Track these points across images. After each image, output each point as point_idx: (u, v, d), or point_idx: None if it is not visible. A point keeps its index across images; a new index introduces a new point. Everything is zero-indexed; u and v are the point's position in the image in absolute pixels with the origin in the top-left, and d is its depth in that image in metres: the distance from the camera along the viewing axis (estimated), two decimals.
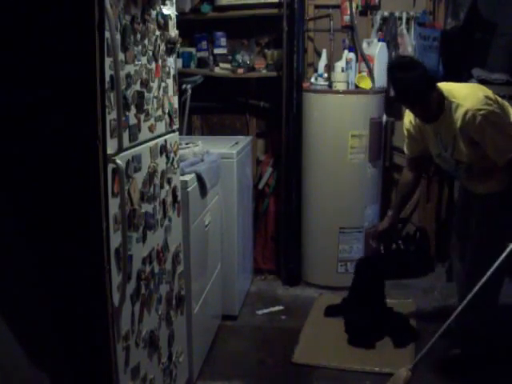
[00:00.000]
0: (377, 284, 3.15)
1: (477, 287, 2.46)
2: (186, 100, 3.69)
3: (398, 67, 2.56)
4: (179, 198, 2.36)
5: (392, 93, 3.80)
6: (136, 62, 1.86)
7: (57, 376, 1.67)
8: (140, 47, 1.90)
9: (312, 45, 3.91)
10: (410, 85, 2.47)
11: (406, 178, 2.94)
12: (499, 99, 2.54)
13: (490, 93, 2.50)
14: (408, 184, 2.94)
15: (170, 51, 2.22)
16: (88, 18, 1.49)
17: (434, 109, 2.51)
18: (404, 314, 3.23)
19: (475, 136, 2.45)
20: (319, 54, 3.81)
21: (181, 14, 2.84)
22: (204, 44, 3.87)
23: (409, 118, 2.75)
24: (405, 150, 2.91)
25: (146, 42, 1.94)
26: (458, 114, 2.44)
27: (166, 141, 2.19)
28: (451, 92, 2.49)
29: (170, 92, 2.25)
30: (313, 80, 3.73)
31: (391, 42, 3.72)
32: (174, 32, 2.24)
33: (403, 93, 2.54)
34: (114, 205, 1.68)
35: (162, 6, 2.10)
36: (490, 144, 2.43)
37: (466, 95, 2.46)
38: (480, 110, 2.39)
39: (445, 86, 2.53)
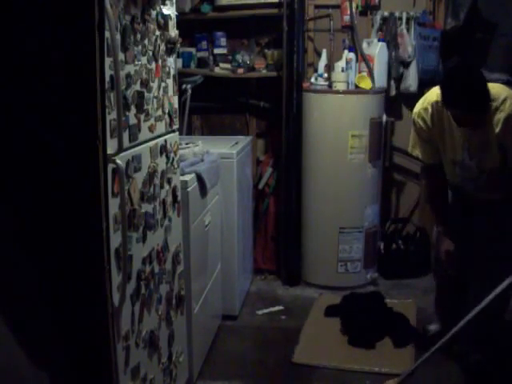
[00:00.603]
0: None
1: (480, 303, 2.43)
2: (186, 100, 3.69)
3: (460, 72, 2.36)
4: (179, 198, 2.36)
5: (393, 93, 3.82)
6: (136, 62, 1.86)
7: (57, 376, 1.67)
8: (140, 47, 1.90)
9: (312, 45, 3.91)
10: (477, 90, 2.27)
11: (433, 189, 2.73)
12: None
13: None
14: (438, 194, 2.70)
15: (170, 51, 2.22)
16: (88, 18, 1.49)
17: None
18: (404, 314, 3.23)
19: (508, 140, 2.34)
20: (319, 54, 3.81)
21: (181, 14, 2.84)
22: (204, 44, 3.87)
23: (421, 116, 2.55)
24: (419, 156, 2.68)
25: (146, 41, 1.94)
26: (498, 118, 2.31)
27: (166, 141, 2.19)
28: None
29: (170, 92, 2.25)
30: (313, 80, 3.73)
31: (391, 41, 3.72)
32: (174, 32, 2.24)
33: (468, 99, 2.29)
34: (113, 205, 1.68)
35: (162, 6, 2.10)
36: None
37: (503, 99, 2.32)
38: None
39: None
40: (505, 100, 2.31)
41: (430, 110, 2.53)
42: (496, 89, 2.37)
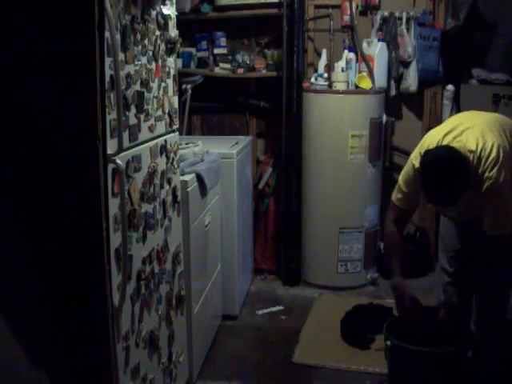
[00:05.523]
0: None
1: None
2: (185, 100, 3.69)
3: (436, 169, 2.22)
4: (179, 198, 2.36)
5: (393, 93, 3.81)
6: (136, 62, 1.86)
7: (57, 376, 1.67)
8: (140, 47, 1.90)
9: (312, 45, 3.91)
10: (453, 190, 2.20)
11: (394, 235, 2.57)
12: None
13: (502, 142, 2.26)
14: (398, 241, 2.59)
15: (170, 51, 2.22)
16: (88, 17, 1.49)
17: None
18: None
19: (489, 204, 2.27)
20: (319, 54, 3.81)
21: (181, 14, 2.84)
22: (204, 44, 3.87)
23: (415, 163, 2.37)
24: (396, 202, 2.50)
25: (146, 41, 1.94)
26: (486, 177, 2.21)
27: (165, 141, 2.19)
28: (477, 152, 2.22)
29: (170, 92, 2.25)
30: (313, 80, 3.73)
31: (391, 41, 3.72)
32: (173, 32, 2.24)
33: (446, 198, 2.25)
34: (113, 205, 1.68)
35: (162, 6, 2.10)
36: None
37: (492, 159, 2.20)
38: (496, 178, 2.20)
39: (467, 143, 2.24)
40: (493, 164, 2.20)
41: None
42: (484, 147, 2.23)
